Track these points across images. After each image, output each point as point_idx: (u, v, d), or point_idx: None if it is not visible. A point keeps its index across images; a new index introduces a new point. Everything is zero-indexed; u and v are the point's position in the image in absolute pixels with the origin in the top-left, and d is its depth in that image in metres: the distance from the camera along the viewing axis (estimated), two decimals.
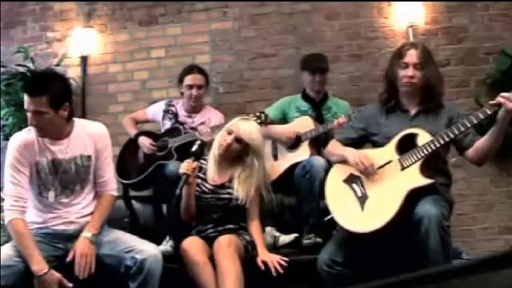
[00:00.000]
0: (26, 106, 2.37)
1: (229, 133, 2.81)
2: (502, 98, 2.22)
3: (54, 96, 2.36)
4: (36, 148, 2.43)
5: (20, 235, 2.33)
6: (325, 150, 2.82)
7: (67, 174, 2.49)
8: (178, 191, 2.64)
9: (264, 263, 2.69)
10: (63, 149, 2.48)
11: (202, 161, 2.90)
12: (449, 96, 3.73)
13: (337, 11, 4.39)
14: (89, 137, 2.54)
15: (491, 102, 2.29)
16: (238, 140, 2.79)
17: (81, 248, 2.37)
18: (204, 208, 2.85)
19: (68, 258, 2.37)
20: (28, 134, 2.46)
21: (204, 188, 2.86)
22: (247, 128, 2.82)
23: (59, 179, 2.48)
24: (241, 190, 2.79)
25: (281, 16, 4.45)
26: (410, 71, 2.49)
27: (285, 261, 2.69)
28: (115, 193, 2.66)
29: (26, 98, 2.37)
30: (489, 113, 2.29)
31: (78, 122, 2.57)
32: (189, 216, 2.85)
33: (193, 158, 2.71)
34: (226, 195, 2.83)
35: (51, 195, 2.48)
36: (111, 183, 2.64)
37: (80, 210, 2.53)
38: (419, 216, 2.27)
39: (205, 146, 2.85)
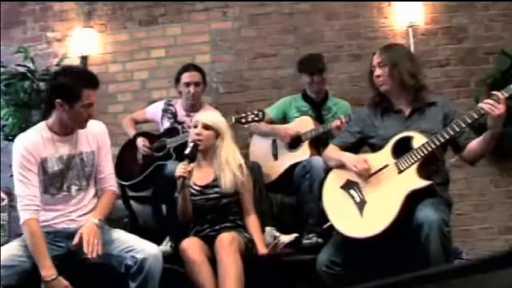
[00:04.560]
0: (91, 100, 2.41)
1: (195, 126, 2.89)
2: (487, 104, 2.22)
3: None
4: (42, 146, 2.45)
5: (34, 237, 2.32)
6: (323, 155, 2.82)
7: (76, 170, 2.52)
8: (177, 194, 2.69)
9: (262, 259, 2.71)
10: (72, 145, 2.52)
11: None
12: (449, 96, 3.73)
13: (337, 11, 4.38)
14: (91, 134, 2.57)
15: (480, 104, 2.28)
16: (205, 126, 2.86)
17: (87, 229, 2.37)
18: (196, 210, 2.86)
19: (74, 242, 2.36)
20: (33, 132, 2.49)
21: (192, 191, 2.86)
22: (206, 114, 3.03)
23: (68, 175, 2.50)
24: (225, 178, 2.83)
25: (281, 16, 4.44)
26: (376, 71, 2.59)
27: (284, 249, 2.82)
28: (116, 189, 2.67)
29: (91, 92, 2.41)
30: (482, 112, 2.28)
31: None
32: (186, 218, 2.86)
33: (188, 160, 2.72)
34: (214, 195, 2.85)
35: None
36: (111, 180, 2.65)
37: (81, 208, 2.54)
38: (419, 221, 2.26)
39: (197, 147, 2.85)
